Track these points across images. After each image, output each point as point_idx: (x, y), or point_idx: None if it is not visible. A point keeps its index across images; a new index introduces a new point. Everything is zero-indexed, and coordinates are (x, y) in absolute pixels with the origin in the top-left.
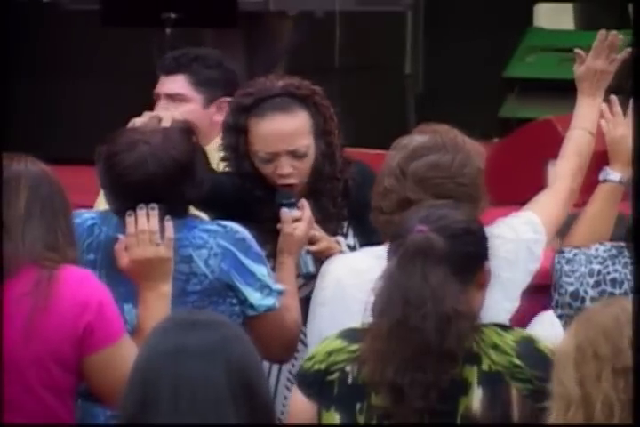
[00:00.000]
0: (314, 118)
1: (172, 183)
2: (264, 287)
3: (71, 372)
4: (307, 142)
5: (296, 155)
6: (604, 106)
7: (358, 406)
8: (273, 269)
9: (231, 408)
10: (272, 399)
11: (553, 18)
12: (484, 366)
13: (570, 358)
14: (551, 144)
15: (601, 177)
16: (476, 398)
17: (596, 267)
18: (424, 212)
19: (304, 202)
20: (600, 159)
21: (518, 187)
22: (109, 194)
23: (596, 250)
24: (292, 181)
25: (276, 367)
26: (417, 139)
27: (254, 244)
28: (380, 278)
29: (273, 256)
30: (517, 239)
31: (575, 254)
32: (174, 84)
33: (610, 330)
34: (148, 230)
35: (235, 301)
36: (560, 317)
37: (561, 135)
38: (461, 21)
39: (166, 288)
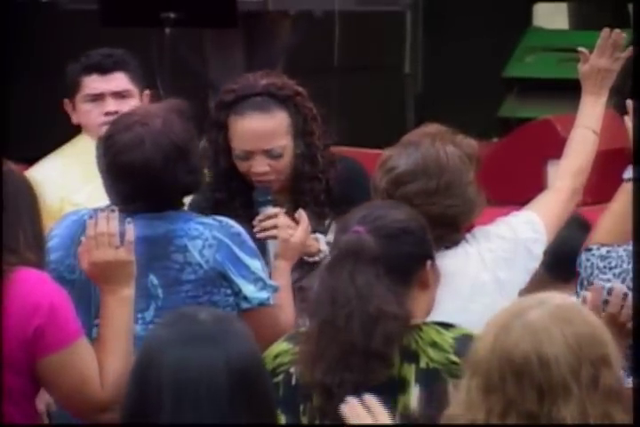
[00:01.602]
0: (293, 119)
1: (168, 164)
2: (258, 280)
3: (23, 375)
4: (283, 143)
5: (272, 154)
6: (629, 103)
7: (302, 407)
8: None
9: (229, 394)
10: (272, 388)
11: (552, 18)
12: (422, 364)
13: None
14: (550, 144)
15: (625, 176)
16: (414, 396)
17: None
18: (363, 212)
19: (302, 212)
20: (604, 158)
21: (517, 187)
22: (107, 179)
23: None
24: (267, 178)
25: None
26: (401, 164)
27: (248, 239)
28: (314, 279)
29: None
30: (516, 238)
31: (609, 251)
32: (118, 81)
33: (521, 371)
34: (106, 233)
35: (229, 291)
36: None
37: (560, 135)
38: (460, 21)
39: (128, 292)
